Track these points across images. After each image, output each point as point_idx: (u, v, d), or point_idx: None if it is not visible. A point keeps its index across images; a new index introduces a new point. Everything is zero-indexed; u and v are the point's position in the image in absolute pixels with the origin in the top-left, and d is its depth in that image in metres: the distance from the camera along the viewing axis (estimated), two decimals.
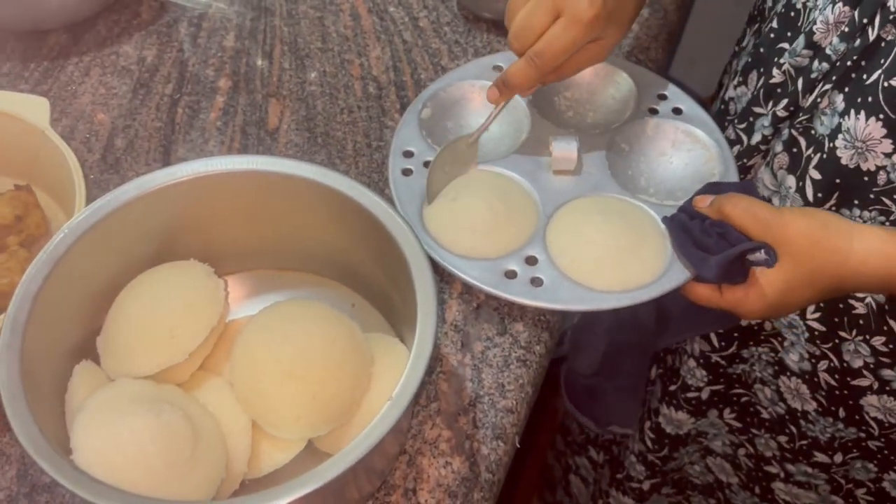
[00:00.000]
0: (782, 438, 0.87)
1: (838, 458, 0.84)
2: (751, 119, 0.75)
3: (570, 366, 0.95)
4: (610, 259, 0.66)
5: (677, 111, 0.78)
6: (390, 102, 0.87)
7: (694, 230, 0.64)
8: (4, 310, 0.63)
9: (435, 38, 0.94)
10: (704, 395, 0.89)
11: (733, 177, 0.73)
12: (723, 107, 0.82)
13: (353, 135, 0.85)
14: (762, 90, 0.73)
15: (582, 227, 0.68)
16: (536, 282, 0.66)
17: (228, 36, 0.94)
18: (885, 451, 0.81)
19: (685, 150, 0.76)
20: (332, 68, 0.91)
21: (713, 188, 0.67)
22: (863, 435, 0.80)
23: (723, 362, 0.85)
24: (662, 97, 0.80)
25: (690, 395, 0.90)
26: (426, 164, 0.73)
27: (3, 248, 0.68)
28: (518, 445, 0.67)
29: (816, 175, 0.69)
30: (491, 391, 0.67)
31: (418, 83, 0.89)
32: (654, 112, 0.78)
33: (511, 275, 0.66)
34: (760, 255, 0.60)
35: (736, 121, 0.78)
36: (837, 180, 0.67)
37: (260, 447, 0.59)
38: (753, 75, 0.76)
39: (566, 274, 0.66)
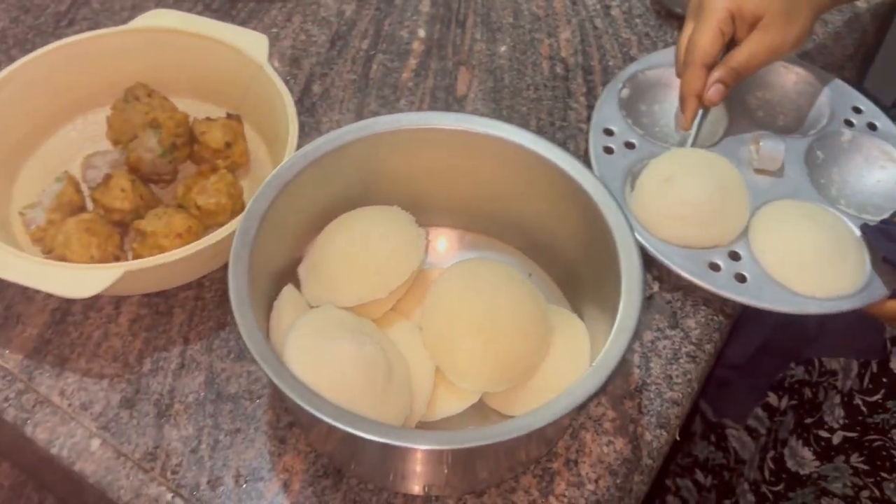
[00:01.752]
0: None
1: None
2: None
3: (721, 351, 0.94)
4: (815, 265, 0.66)
5: (872, 126, 0.77)
6: (576, 85, 0.88)
7: None
8: (213, 227, 0.67)
9: (626, 29, 0.94)
10: (836, 439, 0.87)
11: None
12: None
13: (536, 112, 0.86)
14: None
15: (788, 229, 0.68)
16: (740, 277, 0.66)
17: (425, 1, 0.96)
18: None
19: (878, 166, 0.75)
20: (521, 45, 0.92)
21: None
22: None
23: (864, 408, 0.83)
24: (857, 110, 0.79)
25: (822, 433, 0.88)
26: (627, 144, 0.73)
27: (214, 170, 0.72)
28: (678, 438, 0.67)
29: None
30: (658, 381, 0.67)
31: (606, 70, 0.90)
32: (849, 124, 0.78)
33: (715, 267, 0.66)
34: None
35: None
36: None
37: (437, 392, 0.61)
38: None
39: (770, 274, 0.66)
